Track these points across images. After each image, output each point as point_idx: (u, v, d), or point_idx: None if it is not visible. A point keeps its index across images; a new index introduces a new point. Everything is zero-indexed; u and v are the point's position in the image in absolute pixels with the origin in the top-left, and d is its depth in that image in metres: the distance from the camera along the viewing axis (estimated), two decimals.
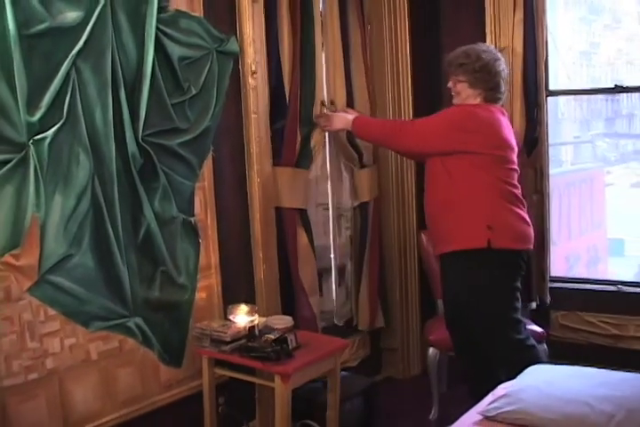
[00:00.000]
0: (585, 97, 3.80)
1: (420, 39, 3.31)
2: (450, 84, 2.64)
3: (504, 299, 2.54)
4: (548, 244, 3.25)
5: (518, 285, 2.56)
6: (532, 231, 2.60)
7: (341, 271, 3.18)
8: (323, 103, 2.90)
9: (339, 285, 3.14)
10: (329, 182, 3.12)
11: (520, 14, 3.12)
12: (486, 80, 2.56)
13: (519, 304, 2.57)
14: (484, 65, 2.56)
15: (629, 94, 3.56)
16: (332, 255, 3.18)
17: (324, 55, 2.88)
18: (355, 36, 3.07)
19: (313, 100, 2.83)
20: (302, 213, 2.84)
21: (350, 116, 2.81)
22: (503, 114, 2.63)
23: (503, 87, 2.63)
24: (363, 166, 3.13)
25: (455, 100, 2.63)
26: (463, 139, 2.48)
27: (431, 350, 2.91)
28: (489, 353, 2.56)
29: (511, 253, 2.52)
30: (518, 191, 2.58)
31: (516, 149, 2.62)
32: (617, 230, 4.44)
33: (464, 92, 2.58)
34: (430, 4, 3.45)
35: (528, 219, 2.60)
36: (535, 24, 3.10)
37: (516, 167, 2.59)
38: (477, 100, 2.58)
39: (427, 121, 2.66)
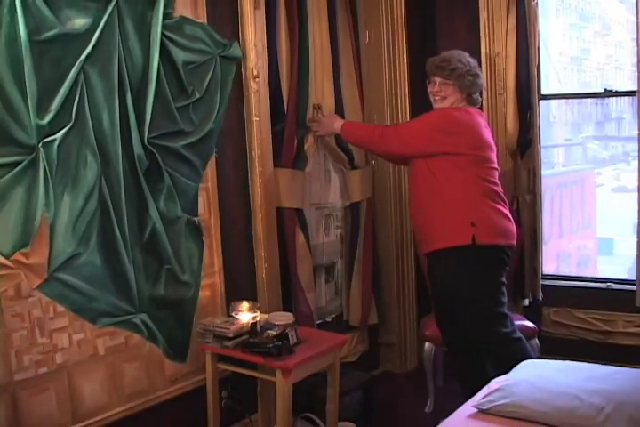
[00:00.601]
0: (576, 101, 3.87)
1: (416, 45, 3.35)
2: (436, 88, 2.65)
3: (490, 294, 2.58)
4: (540, 242, 3.29)
5: (503, 280, 2.61)
6: (514, 227, 2.64)
7: (329, 269, 3.20)
8: (314, 107, 2.94)
9: (326, 281, 3.17)
10: (319, 183, 3.12)
11: (513, 21, 3.19)
12: (475, 84, 2.65)
13: (505, 299, 2.61)
14: (472, 69, 2.65)
15: (618, 98, 3.60)
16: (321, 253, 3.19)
17: (313, 60, 2.89)
18: (344, 41, 3.09)
19: (307, 105, 2.87)
20: (299, 213, 2.88)
21: (340, 121, 2.85)
22: (481, 115, 2.71)
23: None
24: (354, 168, 3.17)
25: (440, 105, 2.66)
26: (445, 140, 2.54)
27: (427, 345, 2.95)
28: (478, 348, 2.60)
29: (495, 248, 2.56)
30: (499, 189, 2.63)
31: (495, 149, 2.68)
32: (606, 230, 4.50)
33: (453, 96, 2.63)
34: (426, 10, 3.49)
35: (510, 215, 2.64)
36: (527, 30, 3.15)
37: (495, 166, 2.64)
38: (463, 104, 2.65)
39: (410, 125, 2.75)
